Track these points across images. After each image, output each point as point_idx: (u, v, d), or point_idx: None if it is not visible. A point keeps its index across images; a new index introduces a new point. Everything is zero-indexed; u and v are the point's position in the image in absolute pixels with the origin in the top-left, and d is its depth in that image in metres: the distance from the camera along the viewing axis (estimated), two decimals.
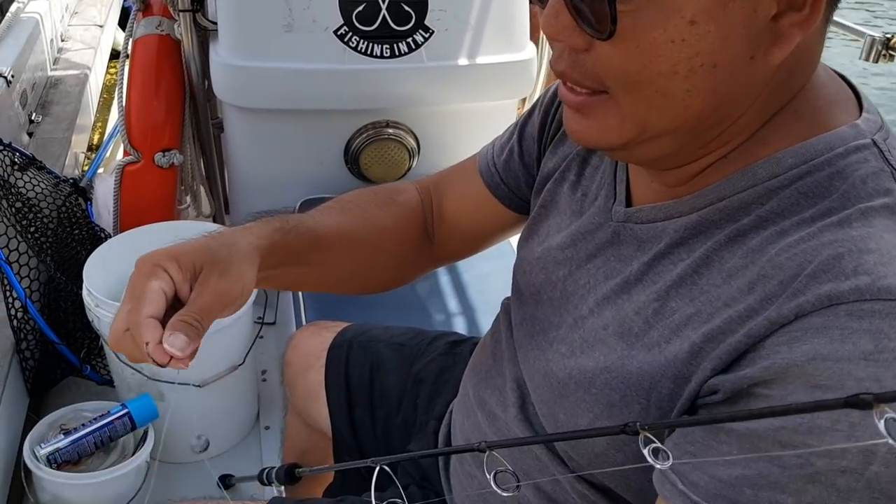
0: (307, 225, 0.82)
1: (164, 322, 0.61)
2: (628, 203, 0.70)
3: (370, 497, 0.64)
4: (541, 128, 0.84)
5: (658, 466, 0.44)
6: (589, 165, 0.77)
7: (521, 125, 0.87)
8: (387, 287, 0.98)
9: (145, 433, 1.42)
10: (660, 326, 0.60)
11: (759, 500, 0.49)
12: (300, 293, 1.66)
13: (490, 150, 0.92)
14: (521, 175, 0.87)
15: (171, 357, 0.59)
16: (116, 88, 1.77)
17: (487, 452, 0.54)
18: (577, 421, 0.65)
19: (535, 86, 1.88)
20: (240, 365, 1.55)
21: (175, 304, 0.64)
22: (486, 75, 1.71)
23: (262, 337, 1.77)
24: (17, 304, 1.45)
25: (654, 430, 0.45)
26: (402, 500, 0.71)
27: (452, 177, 0.97)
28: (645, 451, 0.44)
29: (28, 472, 1.33)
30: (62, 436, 1.35)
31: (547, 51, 1.93)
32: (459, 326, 1.50)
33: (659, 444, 0.44)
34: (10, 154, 1.67)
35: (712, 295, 0.57)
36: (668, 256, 0.63)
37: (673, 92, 0.54)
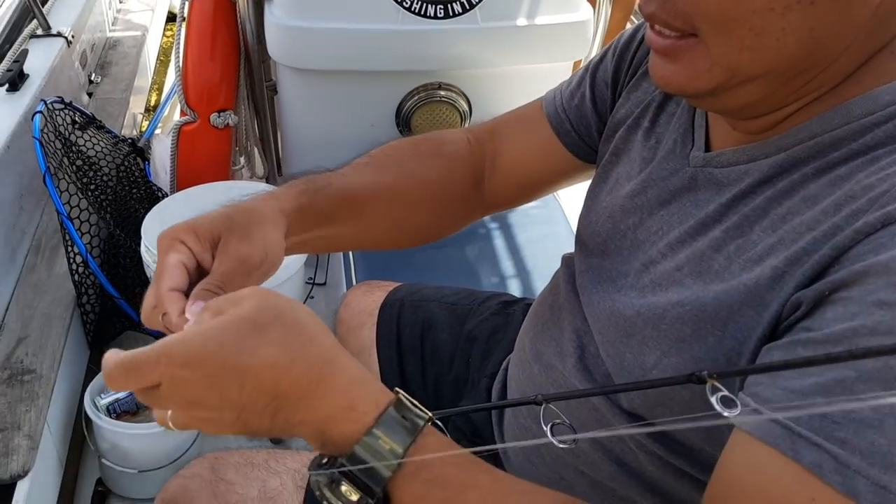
0: (337, 184, 0.81)
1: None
2: (707, 149, 0.68)
3: None
4: (615, 73, 0.82)
5: (726, 415, 0.43)
6: (664, 112, 0.75)
7: (593, 70, 0.85)
8: (431, 239, 0.96)
9: None
10: (741, 260, 0.59)
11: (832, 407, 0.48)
12: (350, 254, 1.67)
13: (558, 96, 0.90)
14: (592, 121, 0.85)
15: None
16: (174, 50, 1.79)
17: (544, 405, 0.54)
18: (643, 360, 0.65)
19: (591, 47, 1.84)
20: None
21: (202, 275, 0.64)
22: (541, 36, 1.69)
23: (312, 297, 1.80)
24: (79, 259, 1.49)
25: (722, 379, 0.44)
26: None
27: (512, 124, 0.95)
28: (713, 399, 0.43)
29: (88, 420, 1.38)
30: None
31: (604, 11, 1.89)
32: (510, 288, 1.50)
33: (727, 392, 0.43)
34: (71, 113, 1.70)
35: (795, 222, 0.56)
36: (749, 195, 0.61)
37: (767, 31, 0.53)
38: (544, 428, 0.52)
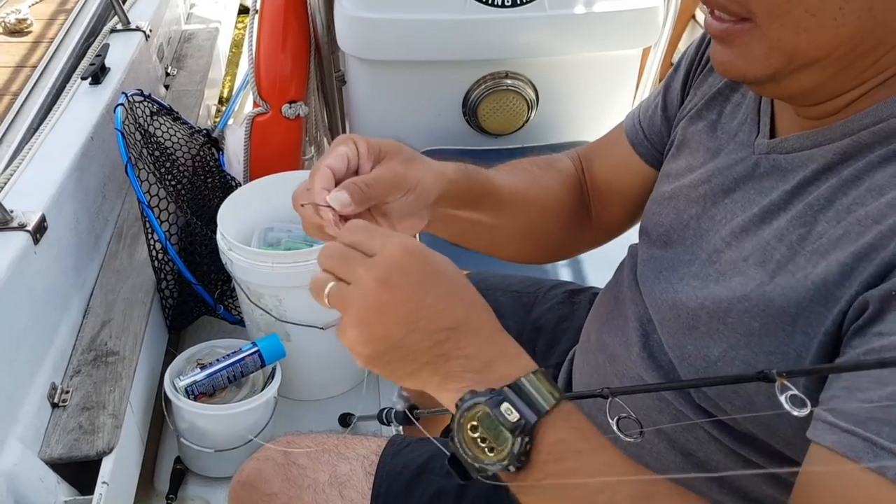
0: (484, 174, 0.84)
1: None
2: (772, 136, 0.68)
3: None
4: (686, 75, 0.83)
5: (795, 414, 0.43)
6: (729, 103, 0.75)
7: (668, 80, 0.86)
8: (548, 258, 1.02)
9: (273, 371, 1.50)
10: (807, 252, 0.58)
11: None
12: (418, 239, 1.69)
13: (636, 111, 0.92)
14: (663, 129, 0.86)
15: (331, 216, 0.65)
16: (246, 42, 1.83)
17: (610, 399, 0.54)
18: (707, 352, 0.65)
19: (661, 34, 1.81)
20: None
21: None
22: (610, 23, 1.67)
23: None
24: (158, 245, 1.55)
25: (791, 377, 0.43)
26: None
27: (598, 144, 0.98)
28: (782, 398, 0.43)
29: (168, 401, 1.43)
30: (199, 369, 1.44)
31: None
32: (576, 277, 1.50)
33: (796, 392, 0.43)
34: (149, 105, 1.77)
35: (860, 214, 0.55)
36: (814, 183, 0.60)
37: (824, 11, 0.52)
38: (610, 422, 0.53)
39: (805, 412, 0.44)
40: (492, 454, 0.52)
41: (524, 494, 0.53)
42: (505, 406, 0.51)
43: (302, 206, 0.68)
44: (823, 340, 0.55)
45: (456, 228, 0.84)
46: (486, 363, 0.55)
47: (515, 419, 0.51)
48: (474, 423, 0.52)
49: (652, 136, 0.88)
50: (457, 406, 0.53)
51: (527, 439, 0.51)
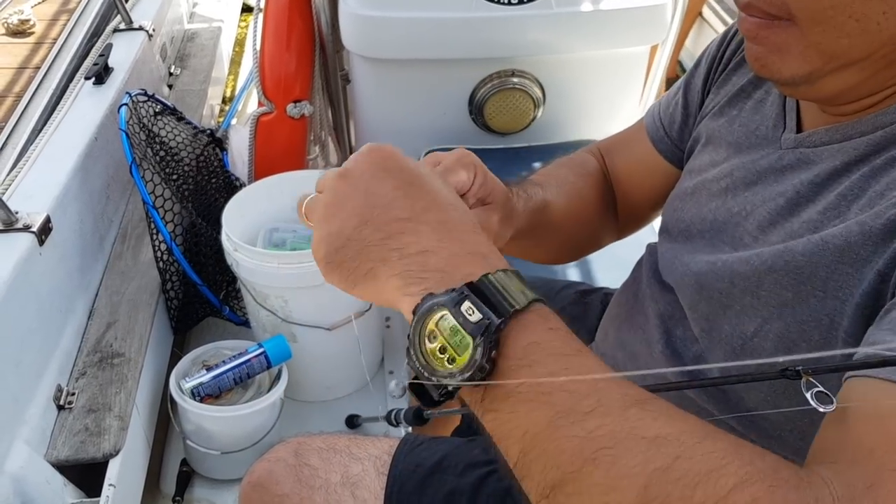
0: (541, 200, 0.83)
1: None
2: (798, 130, 0.67)
3: None
4: (706, 73, 0.82)
5: (822, 410, 0.42)
6: (751, 100, 0.74)
7: (688, 77, 0.86)
8: (576, 257, 1.01)
9: (279, 372, 1.49)
10: (835, 229, 0.58)
11: None
12: None
13: (656, 107, 0.91)
14: (683, 126, 0.86)
15: None
16: (250, 40, 1.82)
17: None
18: (742, 329, 0.64)
19: (669, 31, 1.80)
20: (366, 311, 1.59)
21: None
22: (617, 21, 1.66)
23: None
24: (163, 246, 1.54)
25: (818, 375, 0.42)
26: None
27: (618, 139, 0.97)
28: (808, 395, 0.42)
29: (173, 403, 1.42)
30: (205, 371, 1.43)
31: None
32: (587, 277, 1.49)
33: (822, 389, 0.42)
34: (153, 105, 1.76)
35: (892, 194, 0.55)
36: (845, 174, 0.60)
37: (868, 16, 0.51)
38: None
39: (831, 409, 0.43)
40: (452, 365, 0.44)
41: (494, 409, 0.45)
42: (466, 305, 0.44)
43: None
44: (861, 302, 0.54)
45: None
46: (449, 260, 0.48)
47: (477, 319, 0.43)
48: (433, 329, 0.45)
49: (672, 134, 0.87)
50: (413, 312, 0.47)
51: (491, 342, 0.43)
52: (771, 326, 0.61)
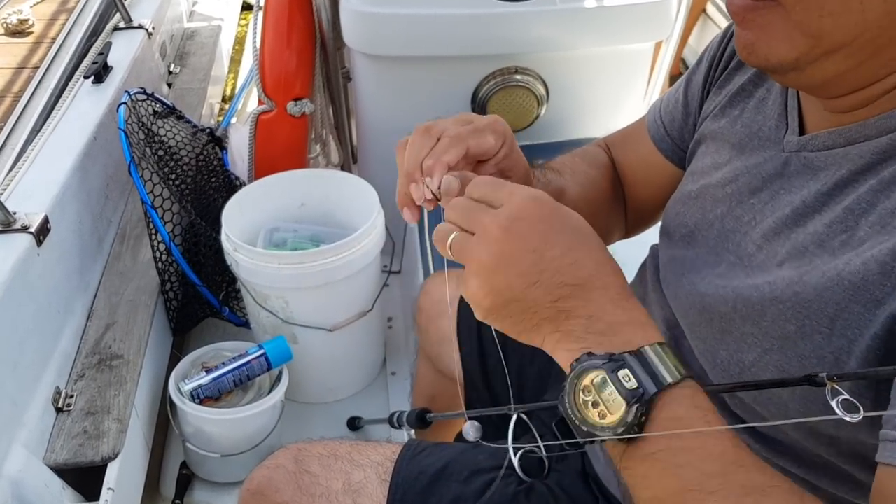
0: (559, 185, 0.84)
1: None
2: (801, 132, 0.65)
3: (506, 444, 0.63)
4: (707, 71, 0.81)
5: (848, 419, 0.41)
6: (753, 98, 0.72)
7: (689, 75, 0.85)
8: None
9: (280, 374, 1.47)
10: (846, 256, 0.56)
11: None
12: (427, 241, 1.66)
13: (657, 106, 0.90)
14: (684, 125, 0.85)
15: (426, 192, 0.65)
16: (250, 38, 1.81)
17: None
18: (740, 357, 0.62)
19: (673, 28, 1.78)
20: (368, 311, 1.57)
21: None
22: (621, 17, 1.64)
23: (388, 285, 1.80)
24: (162, 247, 1.52)
25: (842, 382, 0.41)
26: (539, 448, 0.70)
27: (623, 135, 0.96)
28: (833, 403, 0.41)
29: (173, 405, 1.41)
30: (204, 373, 1.42)
31: None
32: None
33: (848, 396, 0.41)
34: (152, 104, 1.74)
35: None
36: (851, 184, 0.58)
37: None
38: None
39: (857, 418, 0.42)
40: (603, 420, 0.50)
41: (630, 466, 0.51)
42: (623, 373, 0.49)
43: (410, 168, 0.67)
44: (872, 345, 0.52)
45: None
46: (611, 326, 0.53)
47: (633, 387, 0.49)
48: (587, 385, 0.50)
49: (673, 133, 0.86)
50: (571, 366, 0.52)
51: (643, 410, 0.49)
52: (770, 358, 0.60)
